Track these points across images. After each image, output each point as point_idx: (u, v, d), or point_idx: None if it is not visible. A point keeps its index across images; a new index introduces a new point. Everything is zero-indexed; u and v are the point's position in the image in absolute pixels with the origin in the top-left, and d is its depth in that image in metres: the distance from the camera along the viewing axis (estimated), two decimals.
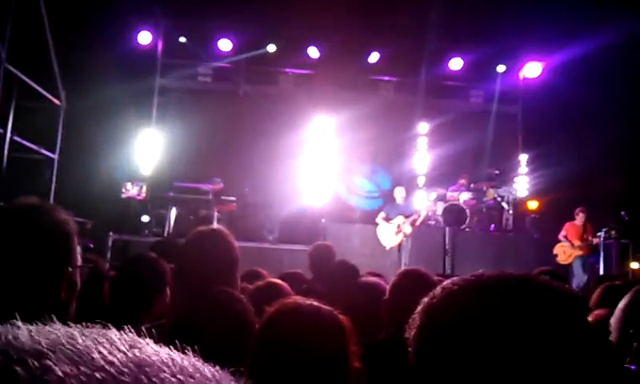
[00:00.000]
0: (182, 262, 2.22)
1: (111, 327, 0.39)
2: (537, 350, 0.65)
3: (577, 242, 9.67)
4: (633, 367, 1.54)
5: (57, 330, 0.36)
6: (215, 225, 10.10)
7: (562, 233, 9.90)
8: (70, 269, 1.35)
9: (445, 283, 0.77)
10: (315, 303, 1.48)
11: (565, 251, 9.74)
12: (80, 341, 0.35)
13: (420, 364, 0.73)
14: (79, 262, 1.42)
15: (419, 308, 0.76)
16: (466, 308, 0.70)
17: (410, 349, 0.75)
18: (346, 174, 12.59)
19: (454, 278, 0.77)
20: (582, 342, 0.68)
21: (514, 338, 0.66)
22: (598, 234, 9.78)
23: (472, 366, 0.67)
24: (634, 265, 10.32)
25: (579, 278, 9.40)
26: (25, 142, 9.48)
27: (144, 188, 10.51)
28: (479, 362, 0.66)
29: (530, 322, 0.67)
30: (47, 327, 0.37)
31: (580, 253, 9.63)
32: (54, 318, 0.39)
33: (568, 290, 0.75)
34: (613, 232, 9.81)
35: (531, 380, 0.64)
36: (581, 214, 9.82)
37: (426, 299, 0.77)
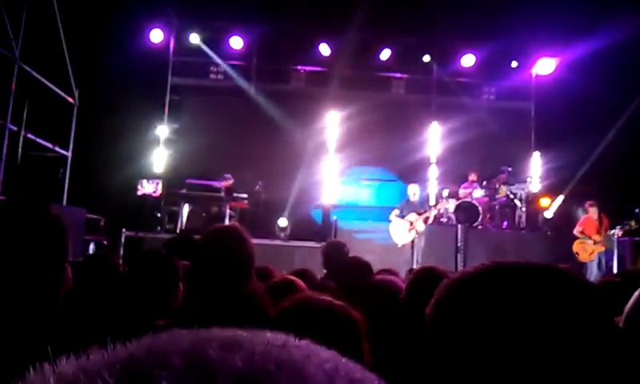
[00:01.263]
0: (200, 259, 2.23)
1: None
2: (547, 338, 0.65)
3: (597, 238, 9.38)
4: None
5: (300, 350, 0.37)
6: (227, 221, 10.15)
7: (578, 228, 9.63)
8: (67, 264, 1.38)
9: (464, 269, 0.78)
10: (328, 298, 1.49)
11: (586, 249, 9.46)
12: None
13: (431, 340, 0.74)
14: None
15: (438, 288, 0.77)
16: (475, 292, 0.71)
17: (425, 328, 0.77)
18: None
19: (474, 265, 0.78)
20: (596, 330, 0.67)
21: (524, 322, 0.66)
22: (612, 231, 9.60)
23: (478, 348, 0.67)
24: None
25: (594, 276, 9.26)
26: (38, 140, 9.57)
27: (160, 185, 10.57)
28: (484, 345, 0.67)
29: (543, 308, 0.67)
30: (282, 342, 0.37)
31: (602, 249, 9.36)
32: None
33: (585, 280, 0.76)
34: (633, 223, 9.54)
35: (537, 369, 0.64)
36: (592, 208, 9.58)
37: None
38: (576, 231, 9.68)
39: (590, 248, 9.44)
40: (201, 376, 0.30)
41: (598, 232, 9.46)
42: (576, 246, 9.60)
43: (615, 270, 9.52)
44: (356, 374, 0.37)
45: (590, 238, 9.48)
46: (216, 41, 13.03)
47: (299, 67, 13.09)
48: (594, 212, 9.60)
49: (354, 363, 0.38)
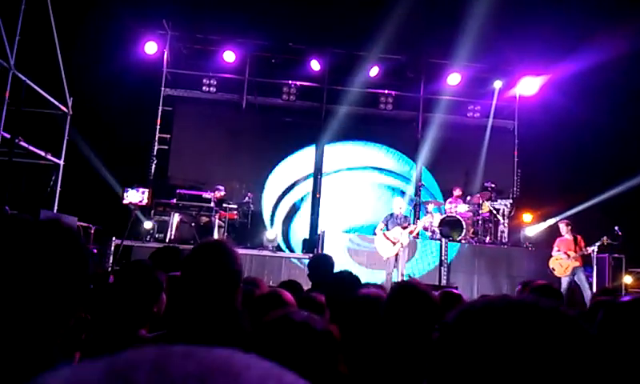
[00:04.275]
0: (188, 272, 2.26)
1: None
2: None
3: (572, 253, 9.62)
4: None
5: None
6: (217, 233, 10.30)
7: (555, 249, 9.84)
8: None
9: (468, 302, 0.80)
10: (306, 313, 1.53)
11: (561, 264, 9.66)
12: None
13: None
14: None
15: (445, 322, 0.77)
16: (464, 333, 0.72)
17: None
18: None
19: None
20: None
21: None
22: (590, 248, 9.76)
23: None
24: (627, 279, 10.39)
25: (563, 289, 9.38)
26: (31, 148, 9.66)
27: (146, 194, 10.57)
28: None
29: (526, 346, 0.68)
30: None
31: (577, 264, 9.58)
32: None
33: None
34: (605, 238, 9.67)
35: None
36: (565, 227, 9.83)
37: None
38: (553, 252, 9.86)
39: (566, 264, 9.61)
40: (163, 375, 0.40)
41: (574, 250, 9.66)
42: (552, 263, 9.78)
43: (595, 286, 9.74)
44: (287, 380, 0.44)
45: (566, 253, 9.66)
46: (209, 54, 13.17)
47: (290, 81, 13.25)
48: (566, 231, 9.80)
49: (293, 375, 0.45)
